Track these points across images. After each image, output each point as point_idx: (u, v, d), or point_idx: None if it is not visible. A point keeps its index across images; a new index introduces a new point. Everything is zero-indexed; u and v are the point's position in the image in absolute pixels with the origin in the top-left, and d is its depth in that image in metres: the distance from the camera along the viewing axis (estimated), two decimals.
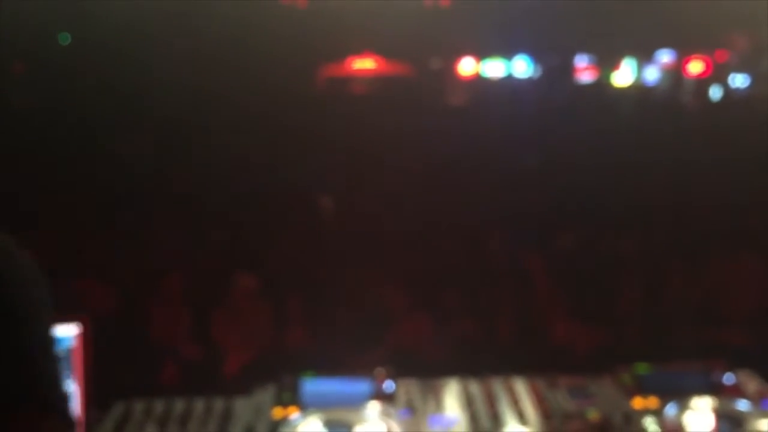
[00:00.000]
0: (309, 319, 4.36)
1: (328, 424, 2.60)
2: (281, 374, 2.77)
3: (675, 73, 13.00)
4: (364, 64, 11.92)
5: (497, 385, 2.82)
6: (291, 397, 2.67)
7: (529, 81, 12.56)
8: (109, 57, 9.63)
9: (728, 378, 2.79)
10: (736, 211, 5.81)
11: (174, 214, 5.72)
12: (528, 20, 11.82)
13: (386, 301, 4.43)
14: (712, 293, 4.82)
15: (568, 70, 12.77)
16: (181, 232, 5.33)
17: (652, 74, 13.12)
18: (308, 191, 6.64)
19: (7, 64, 10.18)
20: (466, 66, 12.50)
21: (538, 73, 12.65)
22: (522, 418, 2.66)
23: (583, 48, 12.79)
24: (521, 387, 2.81)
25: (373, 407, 2.65)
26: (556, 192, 6.84)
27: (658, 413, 2.68)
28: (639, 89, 12.77)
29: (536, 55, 12.58)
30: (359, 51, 11.80)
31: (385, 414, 2.62)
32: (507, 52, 12.54)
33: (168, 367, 4.07)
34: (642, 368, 2.84)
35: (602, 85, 12.73)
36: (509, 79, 12.60)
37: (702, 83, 12.57)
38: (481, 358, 3.73)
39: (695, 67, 12.77)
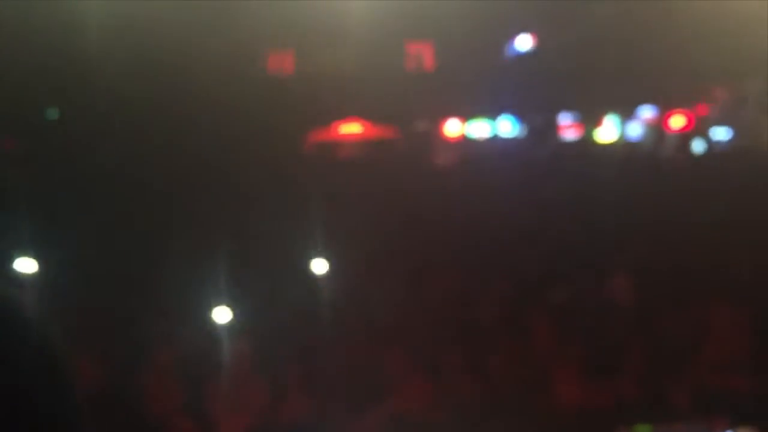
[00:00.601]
0: (306, 388, 4.32)
1: None
2: None
3: (657, 128, 13.19)
4: (351, 128, 12.05)
5: None
6: None
7: (514, 140, 12.70)
8: (98, 130, 9.70)
9: None
10: (723, 265, 5.85)
11: (169, 275, 5.71)
12: (511, 80, 12.02)
13: (385, 366, 4.40)
14: (703, 344, 4.82)
15: (553, 128, 12.93)
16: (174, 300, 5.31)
17: (634, 130, 13.30)
18: (298, 255, 6.65)
19: None
20: (452, 127, 12.65)
21: (523, 133, 12.80)
22: None
23: (567, 106, 12.98)
24: None
25: None
26: (545, 249, 6.87)
27: None
28: (623, 145, 12.93)
29: (520, 115, 12.75)
30: (345, 116, 11.93)
31: None
32: (491, 112, 12.71)
33: None
34: (643, 429, 2.82)
35: (586, 142, 12.89)
36: (495, 139, 12.75)
37: (684, 137, 12.74)
38: (480, 422, 3.70)
39: (677, 121, 12.96)
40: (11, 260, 5.27)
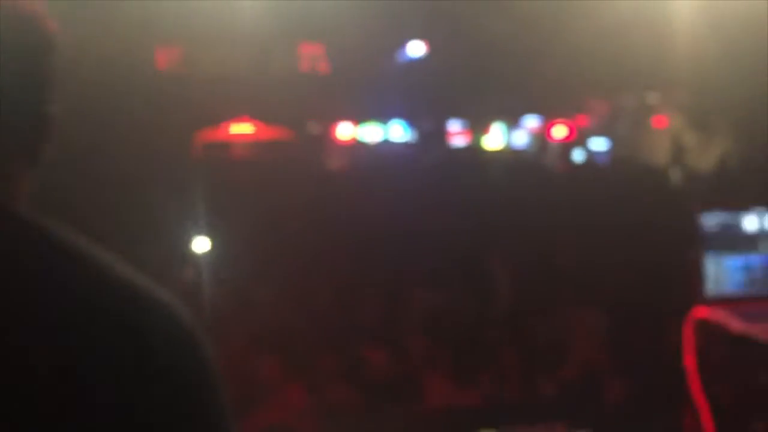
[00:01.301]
0: None
1: None
2: None
3: (541, 136, 13.67)
4: (242, 128, 11.94)
5: None
6: None
7: (405, 145, 12.90)
8: None
9: None
10: (597, 270, 6.13)
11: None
12: (403, 86, 12.19)
13: (260, 372, 4.40)
14: (564, 349, 5.03)
15: (442, 134, 13.21)
16: None
17: (520, 138, 13.74)
18: (184, 257, 6.56)
19: None
20: (344, 130, 12.72)
21: (414, 138, 13.01)
22: None
23: (456, 113, 13.27)
24: None
25: None
26: (429, 253, 7.03)
27: None
28: (508, 152, 13.33)
29: (412, 120, 12.96)
30: (237, 115, 11.82)
31: None
32: (383, 116, 12.86)
33: None
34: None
35: (474, 148, 13.22)
36: (386, 144, 12.91)
37: (565, 146, 13.26)
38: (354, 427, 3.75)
39: (559, 131, 13.47)
40: None
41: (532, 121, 13.69)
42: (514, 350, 5.00)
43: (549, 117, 13.41)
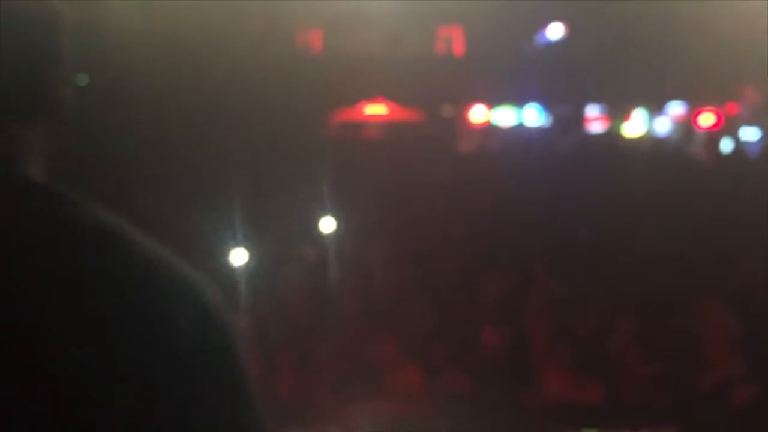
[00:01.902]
0: (298, 369, 4.32)
1: None
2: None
3: (686, 125, 13.03)
4: (376, 109, 12.01)
5: None
6: None
7: (539, 130, 12.61)
8: (126, 98, 9.74)
9: None
10: (736, 267, 5.77)
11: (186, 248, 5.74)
12: (539, 69, 11.91)
13: (378, 354, 4.39)
14: (698, 349, 4.75)
15: (579, 119, 12.82)
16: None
17: (662, 125, 13.15)
18: (311, 235, 6.66)
19: None
20: (477, 114, 12.57)
21: (549, 122, 12.70)
22: None
23: (595, 98, 12.86)
24: None
25: None
26: (563, 242, 6.83)
27: None
28: (649, 140, 12.79)
29: (547, 104, 12.65)
30: (371, 96, 11.90)
31: None
32: (518, 100, 12.62)
33: None
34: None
35: (613, 135, 12.77)
36: (520, 128, 12.66)
37: (713, 136, 12.59)
38: (467, 415, 3.68)
39: (706, 119, 12.80)
40: None
41: (676, 108, 13.07)
42: (640, 347, 4.78)
43: (695, 104, 12.76)
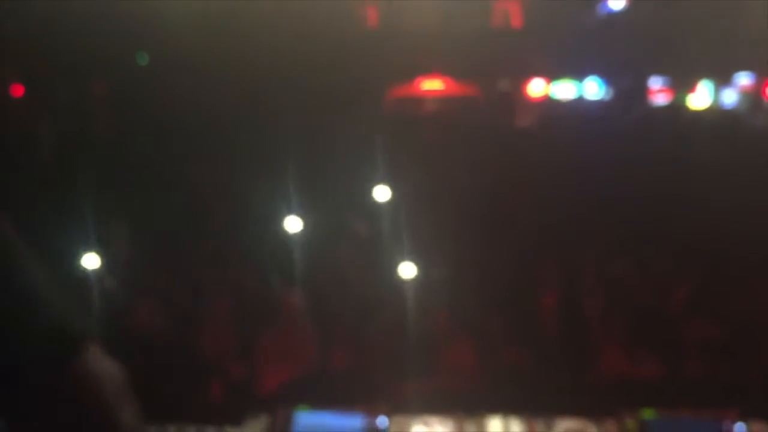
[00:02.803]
0: (354, 342, 4.30)
1: None
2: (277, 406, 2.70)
3: (754, 96, 12.60)
4: (433, 84, 11.89)
5: (495, 424, 2.71)
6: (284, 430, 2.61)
7: (600, 103, 12.33)
8: (187, 75, 9.83)
9: (740, 428, 2.62)
10: None
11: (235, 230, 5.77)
12: (600, 41, 11.63)
13: (431, 329, 4.34)
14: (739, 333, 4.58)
15: (642, 92, 12.49)
16: (233, 249, 5.35)
17: (729, 97, 12.74)
18: (376, 210, 6.62)
19: (87, 83, 10.49)
20: (536, 87, 12.35)
21: (610, 95, 12.41)
22: None
23: (658, 69, 12.51)
24: (517, 428, 2.70)
25: None
26: (627, 218, 6.66)
27: None
28: (716, 112, 12.41)
29: (608, 77, 12.35)
30: (428, 71, 11.78)
31: None
32: (578, 73, 12.35)
33: (214, 385, 4.07)
34: (648, 413, 2.69)
35: (678, 107, 12.41)
36: (580, 101, 12.40)
37: None
38: (476, 395, 3.61)
39: None
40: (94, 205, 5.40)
41: (744, 79, 12.64)
42: (699, 326, 4.63)
43: (764, 74, 12.32)
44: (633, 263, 5.48)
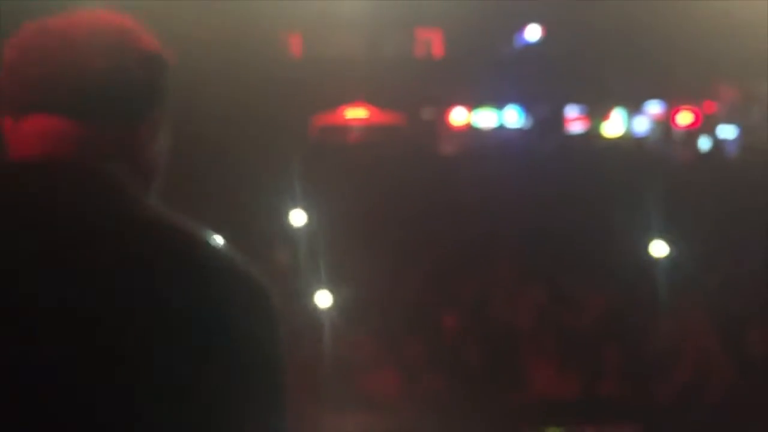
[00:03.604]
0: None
1: None
2: None
3: (664, 123, 13.13)
4: (357, 113, 12.02)
5: None
6: None
7: (519, 131, 12.66)
8: None
9: None
10: (714, 267, 5.82)
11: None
12: (519, 70, 11.96)
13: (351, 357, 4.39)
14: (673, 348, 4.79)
15: (559, 120, 12.89)
16: None
17: (641, 125, 13.25)
18: (297, 238, 6.65)
19: None
20: (458, 116, 12.60)
21: (529, 123, 12.75)
22: None
23: (574, 98, 12.93)
24: None
25: None
26: (544, 243, 6.86)
27: None
28: (629, 140, 12.87)
29: (527, 105, 12.70)
30: (352, 100, 11.91)
31: None
32: (498, 102, 12.66)
33: None
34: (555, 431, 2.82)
35: (592, 135, 12.84)
36: (500, 129, 12.70)
37: (691, 134, 12.69)
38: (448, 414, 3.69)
39: (684, 118, 12.90)
40: None
41: (655, 107, 13.17)
42: (619, 348, 4.82)
43: (673, 103, 12.86)
44: (547, 287, 5.65)
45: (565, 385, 4.51)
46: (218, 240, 1.07)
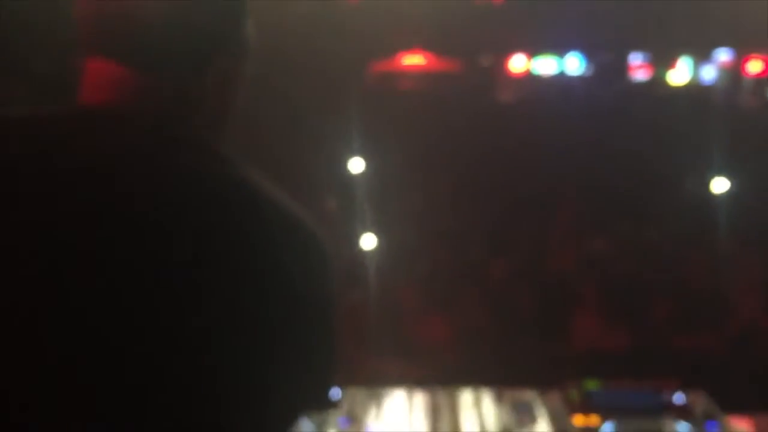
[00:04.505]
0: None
1: None
2: None
3: (733, 72, 12.68)
4: (414, 60, 11.86)
5: (440, 398, 2.75)
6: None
7: (581, 78, 12.37)
8: None
9: (678, 398, 2.69)
10: None
11: None
12: (581, 16, 11.63)
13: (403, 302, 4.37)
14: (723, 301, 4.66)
15: (622, 67, 12.54)
16: None
17: (709, 73, 12.81)
18: (352, 185, 6.63)
19: None
20: (517, 63, 12.35)
21: (591, 71, 12.44)
22: None
23: (638, 45, 12.55)
24: (467, 400, 2.74)
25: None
26: (604, 192, 6.72)
27: None
28: (695, 88, 12.48)
29: (589, 52, 12.38)
30: (409, 47, 11.75)
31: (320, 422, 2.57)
32: (559, 48, 12.36)
33: None
34: (591, 384, 2.77)
35: (657, 83, 12.47)
36: (560, 77, 12.43)
37: (760, 83, 12.24)
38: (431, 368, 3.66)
39: (754, 66, 12.43)
40: None
41: (723, 55, 12.70)
42: (670, 298, 4.70)
43: (744, 51, 12.38)
44: (608, 237, 5.55)
45: (613, 337, 4.43)
46: (274, 186, 1.08)
